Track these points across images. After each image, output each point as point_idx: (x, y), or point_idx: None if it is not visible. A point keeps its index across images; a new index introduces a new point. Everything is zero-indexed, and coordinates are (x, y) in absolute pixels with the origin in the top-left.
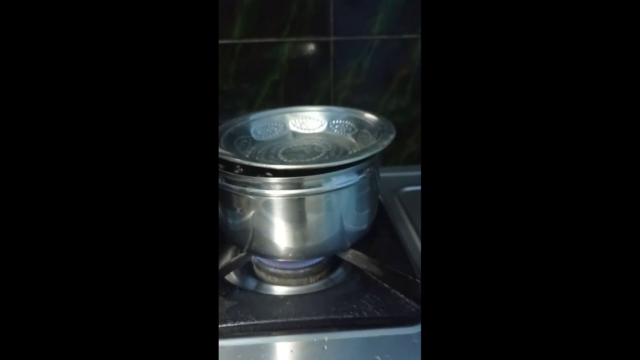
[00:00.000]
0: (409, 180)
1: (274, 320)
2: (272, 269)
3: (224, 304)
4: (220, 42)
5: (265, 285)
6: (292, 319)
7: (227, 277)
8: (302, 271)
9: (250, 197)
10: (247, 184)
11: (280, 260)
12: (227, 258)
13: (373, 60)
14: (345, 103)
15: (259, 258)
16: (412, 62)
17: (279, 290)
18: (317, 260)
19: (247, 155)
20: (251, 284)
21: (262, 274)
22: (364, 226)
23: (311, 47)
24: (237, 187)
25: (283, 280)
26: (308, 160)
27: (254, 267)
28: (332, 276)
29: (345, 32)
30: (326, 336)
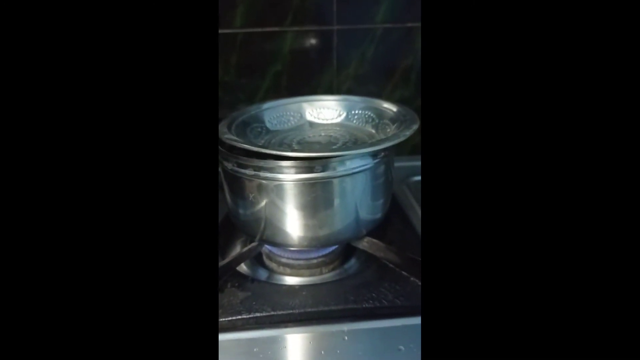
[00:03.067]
0: (416, 169)
1: (290, 311)
2: (283, 260)
3: (238, 295)
4: (221, 31)
5: (277, 276)
6: (309, 310)
7: (238, 269)
8: (315, 261)
9: (263, 181)
10: (261, 168)
11: (293, 249)
12: (237, 248)
13: (377, 50)
14: (349, 93)
15: (269, 248)
16: (416, 52)
17: (292, 281)
18: (330, 249)
19: (260, 144)
20: (262, 275)
21: (273, 265)
22: (379, 215)
23: (314, 37)
24: (250, 172)
25: (295, 271)
26: (323, 150)
27: (264, 257)
28: (346, 266)
29: (348, 21)
30: (346, 327)
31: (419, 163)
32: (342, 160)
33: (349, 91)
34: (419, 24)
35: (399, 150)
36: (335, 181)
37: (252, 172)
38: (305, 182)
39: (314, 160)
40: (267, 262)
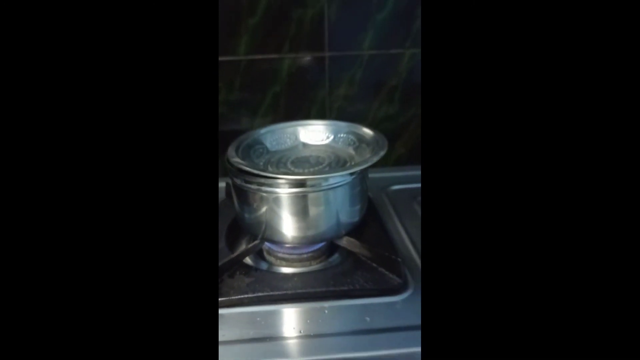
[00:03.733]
0: (396, 179)
1: (285, 292)
2: (280, 254)
3: (245, 280)
4: (227, 58)
5: (275, 267)
6: (299, 291)
7: (244, 261)
8: (305, 256)
9: (264, 194)
10: (262, 184)
11: (287, 246)
12: (243, 245)
13: (364, 73)
14: (340, 112)
15: (269, 245)
16: (400, 74)
17: (286, 270)
18: (318, 246)
19: (261, 164)
20: (263, 266)
21: (272, 259)
22: (356, 218)
23: (308, 62)
24: (254, 187)
25: (290, 263)
26: (311, 169)
27: (265, 253)
28: (330, 260)
29: (338, 48)
30: (326, 304)
31: (398, 174)
32: (325, 179)
33: (340, 109)
34: (400, 50)
35: (382, 162)
36: (321, 194)
37: (256, 187)
38: (297, 194)
39: (304, 178)
40: (267, 256)
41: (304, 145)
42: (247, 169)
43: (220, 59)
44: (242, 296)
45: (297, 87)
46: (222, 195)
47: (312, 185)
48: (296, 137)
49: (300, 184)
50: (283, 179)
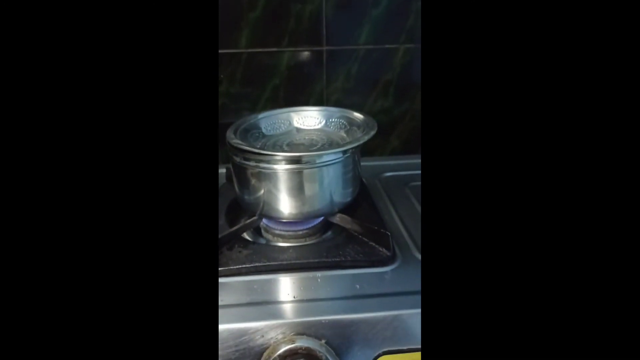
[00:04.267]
0: (389, 167)
1: (280, 262)
2: (277, 231)
3: (243, 252)
4: (228, 51)
5: (273, 243)
6: (294, 261)
7: (242, 236)
8: (301, 232)
9: (262, 170)
10: (260, 161)
11: (284, 221)
12: (242, 221)
13: (360, 67)
14: (337, 104)
15: (266, 222)
16: (394, 69)
17: (283, 244)
18: (314, 223)
19: (258, 146)
20: (262, 241)
21: (269, 236)
22: (349, 198)
23: (307, 56)
24: (252, 163)
25: (286, 239)
26: (306, 150)
27: (263, 230)
28: (324, 236)
29: (336, 43)
30: (319, 273)
31: (392, 162)
32: (319, 156)
33: (337, 102)
34: (395, 46)
35: (378, 152)
36: (315, 170)
37: (254, 164)
38: (293, 171)
39: (300, 155)
40: (264, 233)
41: (298, 130)
42: (247, 147)
43: (222, 51)
44: (240, 266)
45: (295, 80)
46: (222, 180)
47: (306, 162)
48: (290, 123)
49: (295, 160)
50: (280, 156)
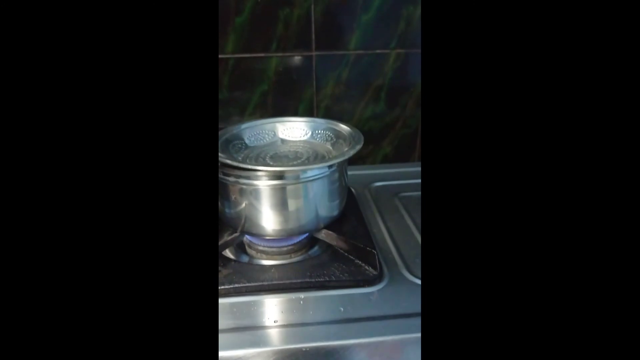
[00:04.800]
0: (379, 176)
1: (261, 283)
2: (261, 247)
3: (222, 272)
4: None
5: (256, 260)
6: (275, 282)
7: (223, 253)
8: (285, 248)
9: (243, 186)
10: (240, 176)
11: (268, 239)
12: (224, 237)
13: (351, 72)
14: (327, 111)
15: (250, 238)
16: (385, 74)
17: (266, 262)
18: (298, 239)
19: (239, 158)
20: (244, 259)
21: (252, 252)
22: (335, 212)
23: (296, 61)
24: (232, 179)
25: (270, 256)
26: (290, 163)
27: (246, 246)
28: (310, 252)
29: (325, 48)
30: (302, 294)
31: (382, 171)
32: (303, 171)
33: (327, 108)
34: (386, 51)
35: (370, 160)
36: (299, 186)
37: (234, 179)
38: (276, 187)
39: (283, 170)
40: (248, 249)
41: (282, 141)
42: (227, 161)
43: None
44: (221, 287)
45: (284, 85)
46: None
47: (290, 178)
48: (275, 134)
49: (278, 176)
50: (261, 170)
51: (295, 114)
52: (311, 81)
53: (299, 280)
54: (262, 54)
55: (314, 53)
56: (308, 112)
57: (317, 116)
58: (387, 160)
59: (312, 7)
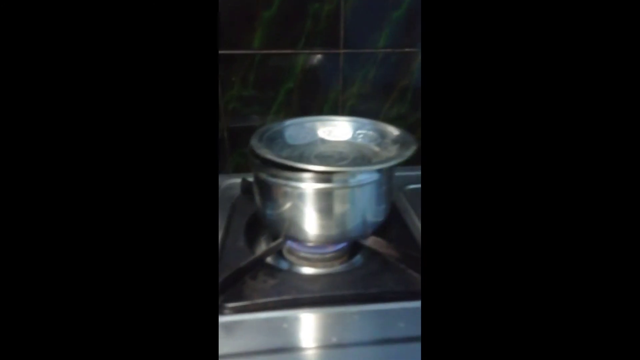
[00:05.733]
0: (412, 179)
1: (312, 295)
2: (302, 254)
3: (269, 282)
4: (240, 52)
5: (297, 267)
6: (326, 294)
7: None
8: (328, 255)
9: (287, 189)
10: (289, 178)
11: (310, 244)
12: (262, 244)
13: (377, 71)
14: (352, 110)
15: (290, 243)
16: (412, 74)
17: (309, 271)
18: (341, 246)
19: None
20: (284, 265)
21: (292, 258)
22: (382, 218)
23: (323, 59)
24: (281, 180)
25: (312, 263)
26: (337, 164)
27: (285, 252)
28: (353, 260)
29: (353, 46)
30: (356, 309)
31: (414, 173)
32: (353, 175)
33: (352, 107)
34: (414, 50)
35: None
36: (347, 191)
37: (284, 181)
38: (323, 191)
39: (331, 173)
40: (287, 255)
41: (322, 141)
42: (279, 160)
43: (234, 52)
44: (266, 299)
45: (310, 84)
46: (238, 191)
47: (338, 181)
48: (314, 133)
49: (326, 179)
50: (319, 171)
51: (319, 113)
52: (337, 80)
53: (351, 292)
54: (289, 51)
55: (341, 51)
56: (332, 112)
57: (343, 115)
58: (412, 161)
59: (342, 2)
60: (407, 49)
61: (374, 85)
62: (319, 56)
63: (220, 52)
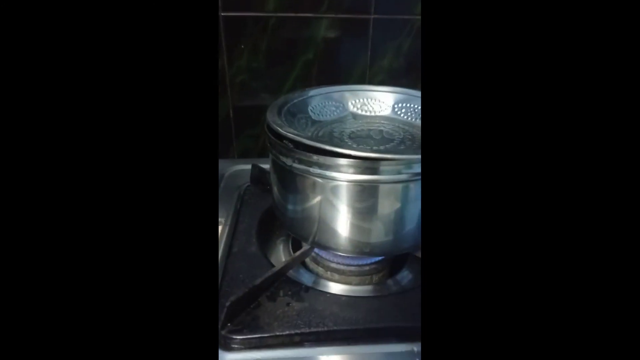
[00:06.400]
0: None
1: (354, 327)
2: (333, 265)
3: (294, 307)
4: (251, 14)
5: (323, 282)
6: (375, 325)
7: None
8: (367, 268)
9: (318, 179)
10: (317, 165)
11: (344, 255)
12: (279, 252)
13: (414, 43)
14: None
15: (317, 250)
16: None
17: (339, 288)
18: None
19: (309, 135)
20: (307, 279)
21: (319, 270)
22: None
23: (349, 25)
24: (303, 167)
25: (344, 277)
26: (383, 148)
27: (309, 261)
28: (398, 277)
29: (386, 10)
30: (415, 346)
31: None
32: (408, 164)
33: (381, 84)
34: None
35: None
36: (399, 186)
37: (318, 170)
38: (366, 184)
39: (377, 161)
40: (312, 265)
41: (354, 116)
42: (308, 142)
43: (244, 14)
44: (292, 332)
45: (333, 55)
46: (246, 179)
47: (388, 172)
48: (343, 106)
49: (371, 168)
50: (365, 157)
51: None
52: (366, 51)
53: (410, 324)
54: (309, 14)
55: (372, 16)
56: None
57: None
58: None
59: None
60: None
61: (408, 60)
62: (345, 22)
63: (225, 13)
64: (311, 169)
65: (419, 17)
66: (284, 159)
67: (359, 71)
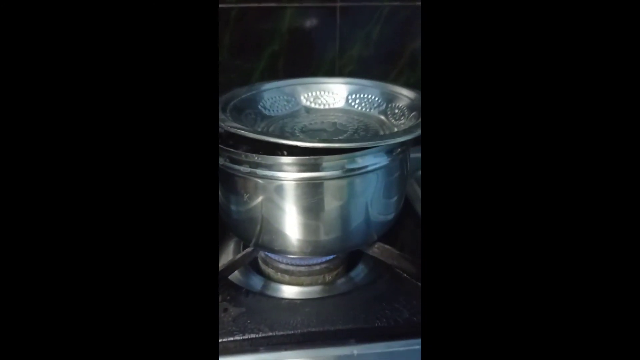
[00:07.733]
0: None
1: (291, 332)
2: (282, 266)
3: (230, 312)
4: None
5: (274, 285)
6: (313, 329)
7: (230, 277)
8: (317, 267)
9: (260, 180)
10: (257, 165)
11: (293, 256)
12: (229, 254)
13: (382, 30)
14: (352, 77)
15: (267, 253)
16: None
17: (291, 290)
18: (334, 255)
19: (259, 130)
20: (257, 283)
21: (269, 271)
22: (391, 216)
23: (315, 14)
24: (245, 169)
25: (295, 278)
26: (335, 139)
27: (260, 262)
28: (352, 274)
29: None
30: (355, 349)
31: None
32: (351, 158)
33: (351, 75)
34: None
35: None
36: (344, 181)
37: (248, 169)
38: (309, 181)
39: (320, 157)
40: (262, 267)
41: (307, 110)
42: (248, 134)
43: None
44: (227, 339)
45: (300, 46)
46: None
47: (332, 167)
48: (296, 100)
49: (315, 164)
50: (307, 147)
51: None
52: (334, 41)
53: (349, 327)
54: (273, 4)
55: (338, 4)
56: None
57: None
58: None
59: None
60: (419, 2)
61: (377, 48)
62: (310, 11)
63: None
64: (242, 168)
65: (387, 3)
66: (222, 156)
67: (328, 62)
